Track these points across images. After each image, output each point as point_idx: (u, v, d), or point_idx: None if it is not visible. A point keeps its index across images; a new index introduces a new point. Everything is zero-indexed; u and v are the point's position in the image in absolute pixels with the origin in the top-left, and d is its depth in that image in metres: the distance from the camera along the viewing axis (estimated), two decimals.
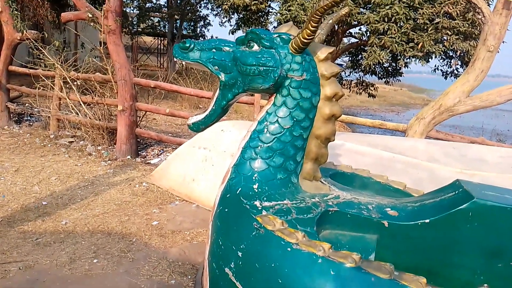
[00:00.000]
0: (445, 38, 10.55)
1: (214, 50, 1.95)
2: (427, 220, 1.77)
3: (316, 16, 1.76)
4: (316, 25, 1.78)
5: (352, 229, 1.86)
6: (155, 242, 3.39)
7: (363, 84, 15.42)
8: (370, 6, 11.24)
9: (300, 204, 1.84)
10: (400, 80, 15.44)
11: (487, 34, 4.67)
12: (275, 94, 1.97)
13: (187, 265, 3.04)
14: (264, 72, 1.86)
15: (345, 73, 15.90)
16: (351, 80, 15.86)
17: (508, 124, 18.44)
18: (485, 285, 1.76)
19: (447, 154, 3.59)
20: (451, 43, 10.33)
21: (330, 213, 1.85)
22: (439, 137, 5.22)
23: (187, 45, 1.94)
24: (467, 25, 10.01)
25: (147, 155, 6.20)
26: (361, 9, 11.24)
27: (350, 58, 15.34)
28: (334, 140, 2.06)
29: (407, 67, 12.61)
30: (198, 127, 2.08)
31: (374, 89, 15.45)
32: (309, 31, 1.79)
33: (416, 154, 3.56)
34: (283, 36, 1.92)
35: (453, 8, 9.40)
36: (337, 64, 16.41)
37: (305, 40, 1.82)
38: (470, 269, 1.77)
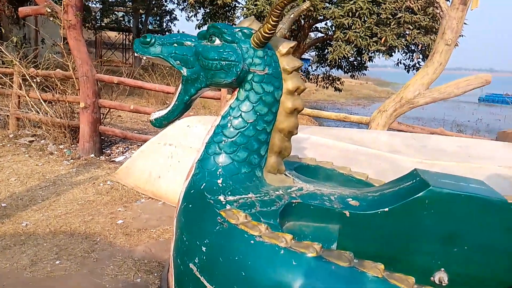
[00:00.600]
0: (407, 32, 10.86)
1: (175, 44, 1.93)
2: (386, 209, 1.82)
3: (277, 11, 1.77)
4: (276, 19, 1.79)
5: (315, 220, 1.89)
6: (120, 241, 3.33)
7: (330, 78, 15.67)
8: (335, 1, 11.41)
9: (264, 197, 1.86)
10: (365, 74, 15.80)
11: (445, 28, 4.83)
12: (238, 89, 1.97)
13: (153, 262, 3.00)
14: (226, 66, 1.86)
15: (311, 68, 16.08)
16: (318, 75, 16.07)
17: (468, 115, 19.21)
18: (442, 269, 1.83)
19: (408, 145, 3.71)
20: (413, 37, 10.66)
21: (293, 205, 1.87)
22: (401, 129, 5.37)
23: (148, 39, 1.91)
24: (428, 19, 10.35)
25: (111, 153, 6.06)
26: (327, 4, 11.39)
27: (316, 53, 15.53)
28: (297, 133, 2.09)
29: (372, 61, 12.94)
30: (161, 123, 2.06)
31: (340, 83, 15.72)
32: (270, 26, 1.80)
33: (379, 146, 3.65)
34: (245, 31, 1.93)
35: (414, 3, 9.69)
36: (304, 58, 16.61)
37: (266, 35, 1.83)
38: (428, 254, 1.84)
